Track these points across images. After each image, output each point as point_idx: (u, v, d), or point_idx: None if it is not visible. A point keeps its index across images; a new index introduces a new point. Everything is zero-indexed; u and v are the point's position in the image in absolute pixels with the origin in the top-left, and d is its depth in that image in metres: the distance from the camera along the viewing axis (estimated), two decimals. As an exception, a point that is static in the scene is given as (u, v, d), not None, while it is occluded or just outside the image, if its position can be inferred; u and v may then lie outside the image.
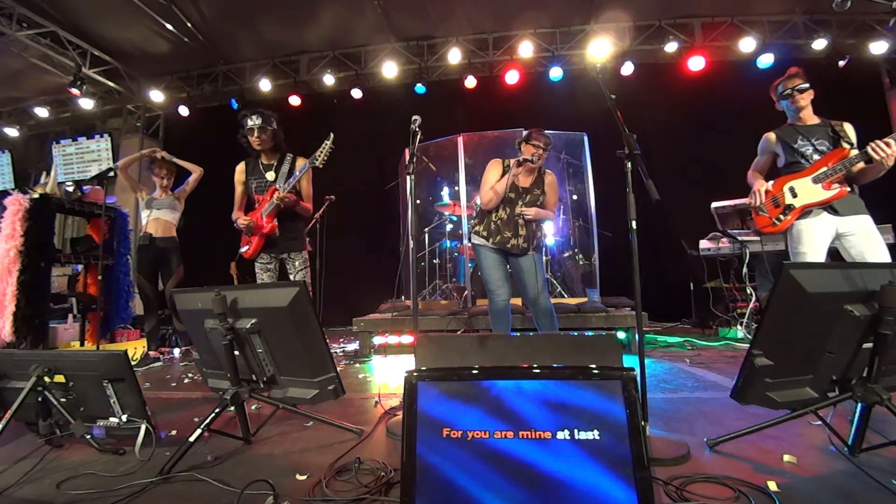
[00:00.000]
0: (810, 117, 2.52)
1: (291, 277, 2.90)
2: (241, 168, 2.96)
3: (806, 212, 2.40)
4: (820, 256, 2.35)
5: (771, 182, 2.55)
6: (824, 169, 2.37)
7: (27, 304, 3.56)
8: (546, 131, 2.79)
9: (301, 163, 2.86)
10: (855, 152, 2.30)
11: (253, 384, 1.71)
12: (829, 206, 2.37)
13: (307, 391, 1.64)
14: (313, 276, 3.37)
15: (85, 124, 7.70)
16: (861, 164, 2.31)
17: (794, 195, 2.42)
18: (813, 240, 2.37)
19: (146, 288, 3.75)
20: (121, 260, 4.34)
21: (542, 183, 2.83)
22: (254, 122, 2.74)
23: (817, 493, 1.22)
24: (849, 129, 2.44)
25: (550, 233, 4.93)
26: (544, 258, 4.64)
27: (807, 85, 2.47)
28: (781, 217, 2.44)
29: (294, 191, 2.84)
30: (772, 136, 2.60)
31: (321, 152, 2.71)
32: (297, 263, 2.89)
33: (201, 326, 1.67)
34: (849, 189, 2.35)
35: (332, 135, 2.74)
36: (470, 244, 2.91)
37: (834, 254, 2.48)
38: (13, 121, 7.66)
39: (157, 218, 3.76)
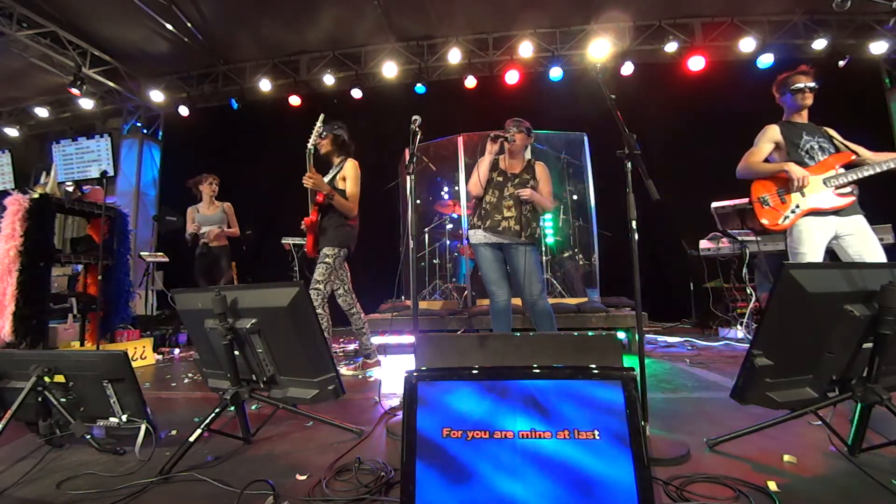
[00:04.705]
0: (806, 118, 2.53)
1: None
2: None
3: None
4: (818, 257, 2.34)
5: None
6: (833, 173, 2.36)
7: (27, 304, 3.55)
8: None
9: (350, 163, 2.99)
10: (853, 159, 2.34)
11: (253, 384, 1.71)
12: None
13: (307, 391, 1.64)
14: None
15: (85, 124, 7.70)
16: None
17: (802, 193, 2.39)
18: (813, 240, 2.35)
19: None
20: (121, 260, 4.34)
21: (532, 171, 2.82)
22: (317, 127, 2.89)
23: (817, 493, 1.22)
24: (833, 133, 2.48)
25: (550, 232, 4.93)
26: (543, 258, 4.64)
27: (816, 85, 2.48)
28: (790, 215, 2.40)
29: (336, 189, 2.90)
30: (776, 127, 2.54)
31: (313, 135, 2.81)
32: (319, 257, 2.86)
33: (201, 326, 1.67)
34: (856, 195, 2.35)
35: (322, 115, 2.85)
36: (469, 244, 2.91)
37: (830, 254, 2.47)
38: (13, 121, 7.65)
39: (210, 230, 4.42)
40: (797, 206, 2.39)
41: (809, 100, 2.48)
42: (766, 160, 2.52)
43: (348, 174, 2.96)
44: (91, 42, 6.10)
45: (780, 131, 2.52)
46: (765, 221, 2.46)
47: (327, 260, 2.81)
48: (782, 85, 2.56)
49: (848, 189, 2.35)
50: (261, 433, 1.80)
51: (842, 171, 2.36)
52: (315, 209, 2.87)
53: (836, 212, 2.35)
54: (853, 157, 2.37)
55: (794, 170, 2.35)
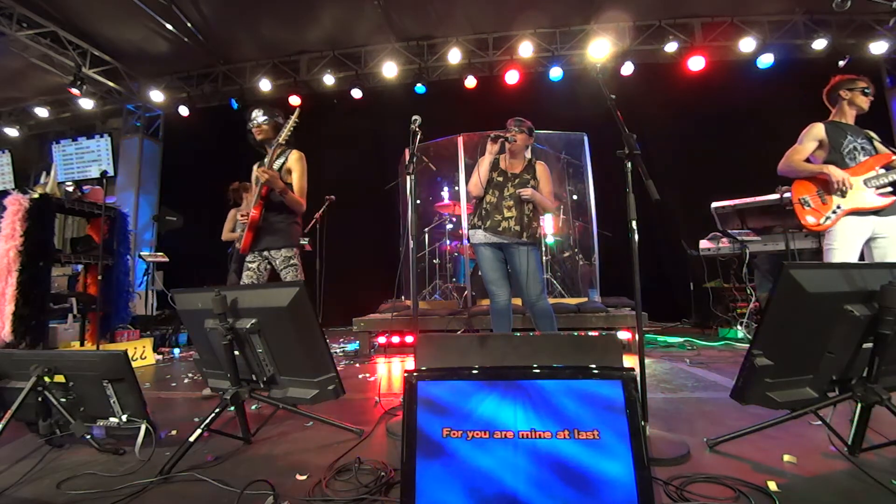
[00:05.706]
0: (853, 119, 2.55)
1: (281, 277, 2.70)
2: (255, 167, 2.89)
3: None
4: (852, 256, 2.32)
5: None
6: (874, 174, 2.35)
7: (26, 304, 3.55)
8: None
9: (295, 154, 2.76)
10: None
11: (253, 384, 1.71)
12: None
13: (307, 391, 1.64)
14: (312, 275, 3.32)
15: (85, 124, 7.70)
16: None
17: (843, 195, 2.35)
18: (847, 239, 2.34)
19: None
20: (121, 260, 4.34)
21: (533, 170, 2.82)
22: (255, 114, 2.80)
23: (817, 493, 1.22)
24: (873, 135, 2.48)
25: (550, 232, 4.93)
26: (543, 258, 4.64)
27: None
28: (831, 216, 2.37)
29: (284, 182, 2.71)
30: (821, 126, 2.50)
31: (285, 129, 2.69)
32: (278, 261, 2.66)
33: (201, 326, 1.66)
34: None
35: (297, 110, 2.76)
36: (469, 244, 2.90)
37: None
38: (13, 121, 7.66)
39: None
40: (838, 207, 2.36)
41: (868, 104, 2.50)
42: (808, 159, 2.50)
43: (294, 167, 2.73)
44: (91, 42, 6.10)
45: (825, 130, 2.49)
46: (808, 221, 2.43)
47: (293, 262, 2.68)
48: (841, 86, 2.55)
49: (889, 189, 2.33)
50: (261, 433, 1.80)
51: (882, 171, 2.35)
52: (260, 204, 2.65)
53: (876, 211, 2.33)
54: (893, 157, 2.35)
55: (835, 172, 2.33)
